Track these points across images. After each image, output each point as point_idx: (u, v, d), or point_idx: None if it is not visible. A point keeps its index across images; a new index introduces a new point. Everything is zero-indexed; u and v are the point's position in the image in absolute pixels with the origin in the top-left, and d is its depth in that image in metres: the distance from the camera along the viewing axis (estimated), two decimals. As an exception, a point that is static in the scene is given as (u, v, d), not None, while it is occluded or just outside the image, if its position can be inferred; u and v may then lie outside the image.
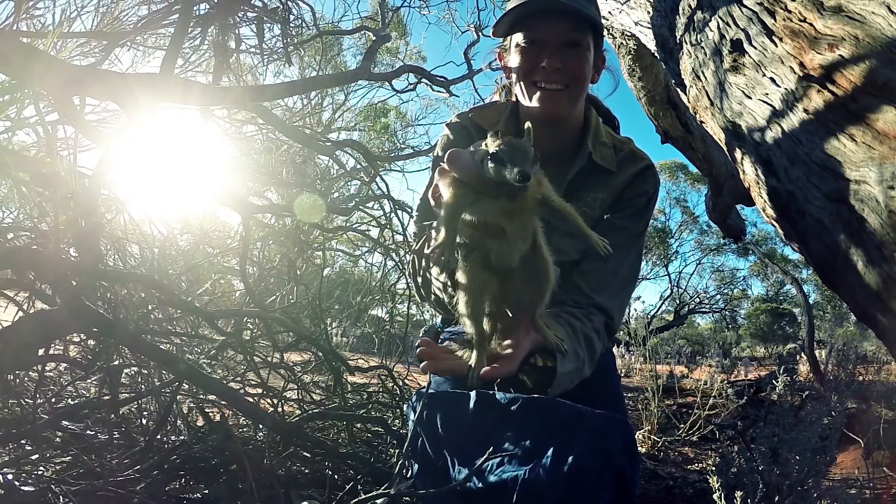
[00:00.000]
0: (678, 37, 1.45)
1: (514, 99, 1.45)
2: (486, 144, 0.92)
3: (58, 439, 1.60)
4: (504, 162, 0.87)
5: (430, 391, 1.29)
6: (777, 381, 3.37)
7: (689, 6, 1.37)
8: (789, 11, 1.00)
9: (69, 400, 2.01)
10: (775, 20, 1.03)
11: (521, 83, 1.33)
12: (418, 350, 1.02)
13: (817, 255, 0.91)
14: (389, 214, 2.75)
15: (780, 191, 0.99)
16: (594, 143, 1.37)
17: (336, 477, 1.77)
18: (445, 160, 0.93)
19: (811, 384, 4.11)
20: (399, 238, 3.02)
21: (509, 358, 1.00)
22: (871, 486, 2.31)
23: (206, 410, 1.92)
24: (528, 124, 0.93)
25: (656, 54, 1.73)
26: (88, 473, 1.41)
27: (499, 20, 1.30)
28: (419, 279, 1.31)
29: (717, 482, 1.44)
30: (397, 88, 4.80)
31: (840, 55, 0.86)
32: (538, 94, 1.29)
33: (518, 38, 1.32)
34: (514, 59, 1.34)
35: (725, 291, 13.79)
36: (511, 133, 1.39)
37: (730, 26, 1.17)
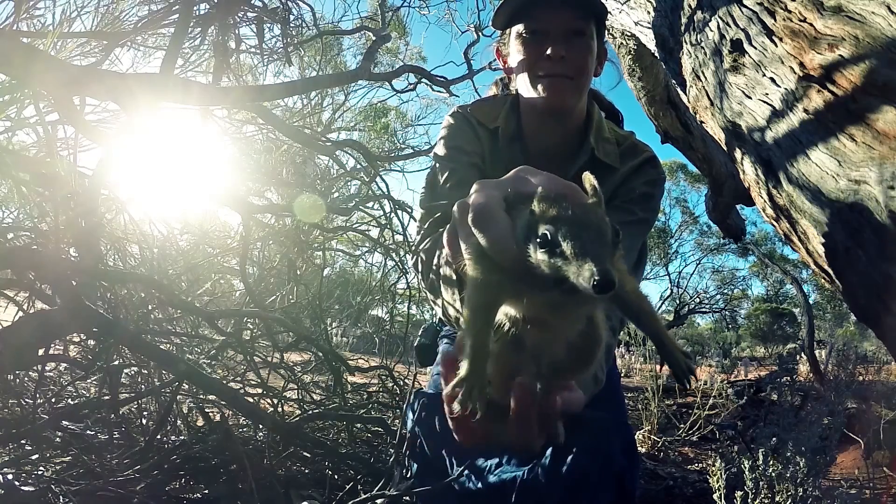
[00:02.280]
0: (678, 37, 1.44)
1: (513, 92, 1.40)
2: (534, 206, 0.53)
3: (58, 439, 1.60)
4: (563, 251, 0.49)
5: (430, 392, 1.28)
6: (777, 382, 3.37)
7: (689, 6, 1.37)
8: (789, 11, 1.00)
9: (69, 400, 2.01)
10: (775, 20, 1.03)
11: (524, 75, 1.27)
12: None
13: (817, 256, 0.91)
14: (389, 214, 2.76)
15: (780, 191, 0.99)
16: (597, 139, 1.31)
17: (336, 477, 1.77)
18: (470, 216, 0.56)
19: (811, 384, 4.11)
20: (399, 238, 3.02)
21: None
22: (871, 486, 2.31)
23: (206, 410, 1.92)
24: (589, 178, 0.60)
25: (656, 54, 1.73)
26: (88, 473, 1.41)
27: (497, 10, 1.24)
28: (427, 275, 1.11)
29: (717, 482, 1.44)
30: (397, 88, 4.81)
31: (840, 55, 0.86)
32: (542, 84, 1.23)
33: (519, 28, 1.26)
34: (515, 51, 1.28)
35: (725, 291, 13.82)
36: (511, 128, 1.34)
37: (730, 26, 1.17)
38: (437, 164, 1.28)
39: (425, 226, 1.20)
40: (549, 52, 1.20)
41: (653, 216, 1.33)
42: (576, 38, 1.23)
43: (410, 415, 1.18)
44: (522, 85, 1.29)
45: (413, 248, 1.23)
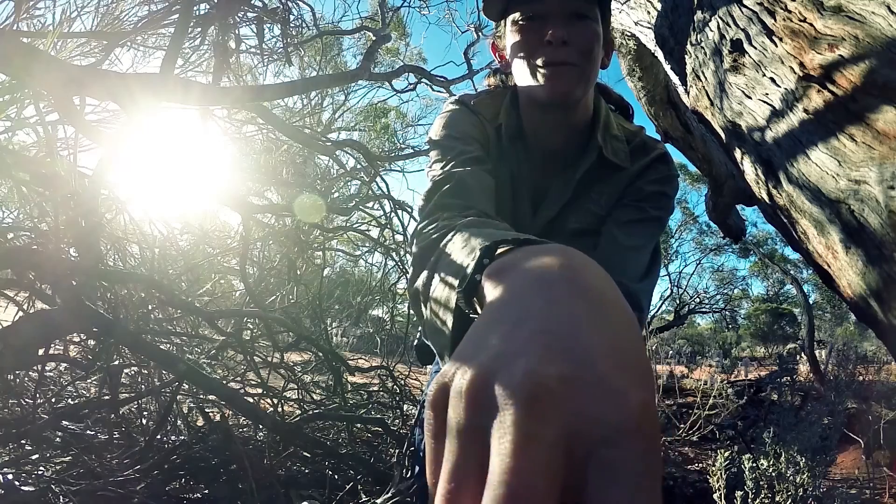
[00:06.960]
0: (678, 37, 1.44)
1: (511, 85, 1.30)
2: None
3: (58, 439, 1.60)
4: None
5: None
6: (777, 382, 3.37)
7: (690, 6, 1.37)
8: (789, 11, 1.00)
9: (69, 400, 2.01)
10: (775, 20, 1.04)
11: (523, 67, 1.14)
12: None
13: (817, 256, 0.91)
14: (389, 214, 2.76)
15: (780, 191, 0.99)
16: (604, 137, 1.20)
17: (336, 477, 1.77)
18: None
19: (811, 384, 4.11)
20: (399, 238, 3.02)
21: None
22: (871, 486, 2.31)
23: (206, 410, 1.92)
24: None
25: (656, 54, 1.73)
26: (88, 473, 1.41)
27: None
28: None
29: (717, 482, 1.44)
30: (397, 88, 4.78)
31: (840, 55, 0.86)
32: (543, 73, 1.10)
33: (515, 16, 1.13)
34: (511, 42, 1.15)
35: (725, 291, 13.79)
36: (512, 125, 1.30)
37: (730, 26, 1.17)
38: (438, 151, 1.11)
39: (430, 201, 0.94)
40: (549, 36, 1.06)
41: (666, 214, 1.24)
42: (578, 21, 1.09)
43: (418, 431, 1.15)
44: (521, 78, 1.16)
45: (413, 234, 0.98)
